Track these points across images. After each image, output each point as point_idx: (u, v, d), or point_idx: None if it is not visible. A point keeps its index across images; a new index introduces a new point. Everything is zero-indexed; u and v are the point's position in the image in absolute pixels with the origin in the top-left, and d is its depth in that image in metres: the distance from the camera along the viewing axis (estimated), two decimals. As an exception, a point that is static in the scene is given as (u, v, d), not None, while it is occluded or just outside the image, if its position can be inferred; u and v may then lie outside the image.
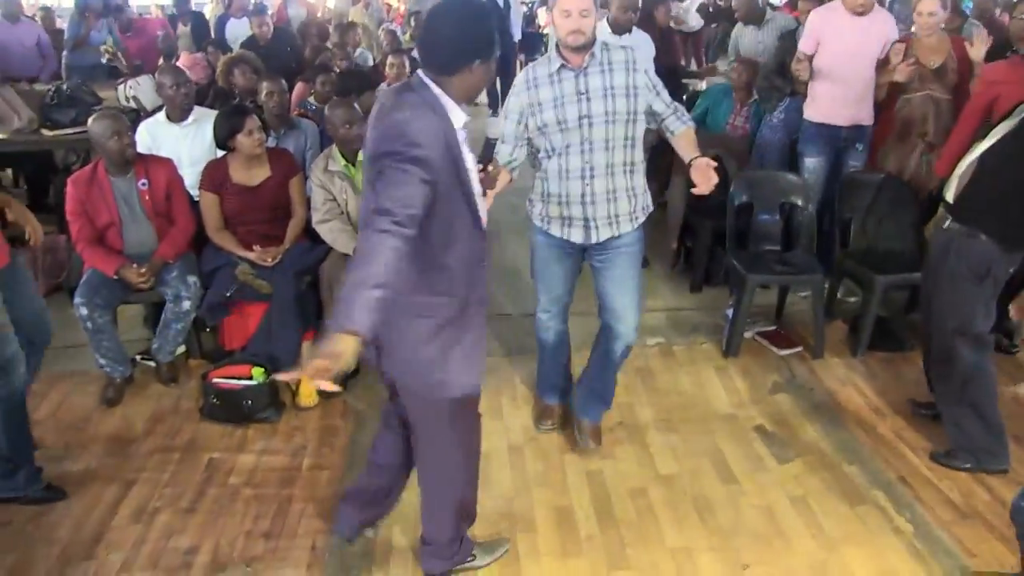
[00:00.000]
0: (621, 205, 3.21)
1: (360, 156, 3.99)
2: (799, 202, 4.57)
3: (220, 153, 4.26)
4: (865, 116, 4.68)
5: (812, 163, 4.74)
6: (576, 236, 3.25)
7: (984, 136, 3.35)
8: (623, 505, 3.24)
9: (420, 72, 2.33)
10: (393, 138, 2.19)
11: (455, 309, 2.41)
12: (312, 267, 4.01)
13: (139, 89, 5.75)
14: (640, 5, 5.06)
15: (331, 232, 3.97)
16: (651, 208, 3.35)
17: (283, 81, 4.70)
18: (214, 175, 4.06)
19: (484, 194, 2.56)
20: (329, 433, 3.72)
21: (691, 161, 3.02)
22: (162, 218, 4.03)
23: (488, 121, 9.22)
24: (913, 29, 4.66)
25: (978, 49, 4.38)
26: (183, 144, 4.53)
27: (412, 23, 7.56)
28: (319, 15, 10.96)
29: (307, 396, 3.87)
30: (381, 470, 2.94)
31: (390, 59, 5.61)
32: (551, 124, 3.12)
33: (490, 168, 2.70)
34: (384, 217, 2.10)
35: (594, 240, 3.25)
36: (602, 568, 2.92)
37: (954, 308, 3.32)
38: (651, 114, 3.19)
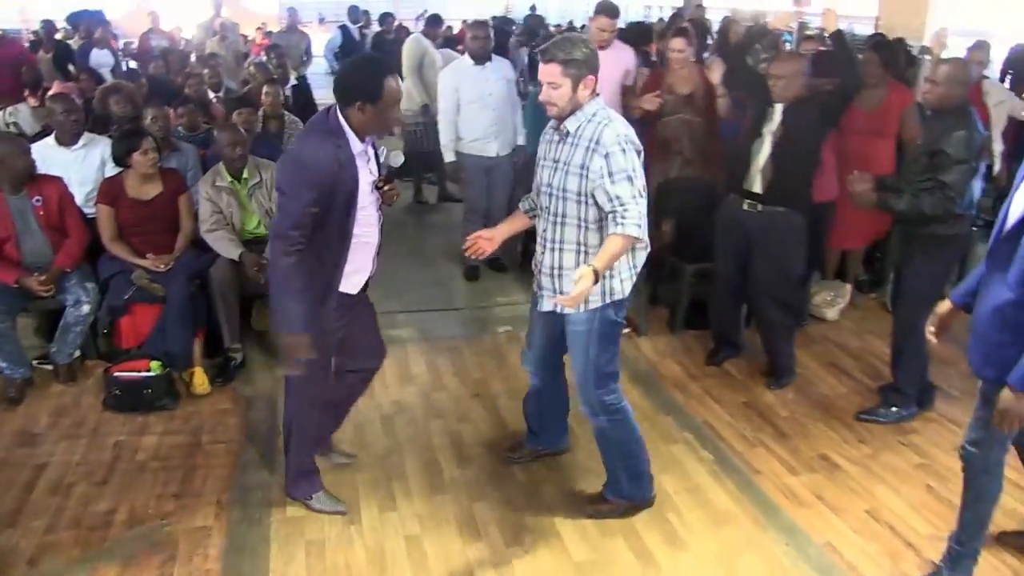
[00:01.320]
0: (565, 283, 3.16)
1: (245, 173, 4.57)
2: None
3: (108, 173, 4.73)
4: None
5: None
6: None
7: (755, 139, 4.28)
8: (480, 454, 3.92)
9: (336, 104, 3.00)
10: (286, 168, 3.02)
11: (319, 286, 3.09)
12: (202, 271, 4.52)
13: (19, 115, 6.06)
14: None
15: (217, 240, 4.51)
16: (617, 295, 3.17)
17: (167, 108, 5.18)
18: (110, 190, 4.52)
19: (381, 206, 3.19)
20: (223, 415, 4.25)
21: (580, 275, 2.83)
22: (56, 231, 4.44)
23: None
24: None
25: (715, 73, 5.26)
26: (72, 166, 4.90)
27: (273, 56, 8.12)
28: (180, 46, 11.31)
29: (201, 384, 4.38)
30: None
31: (266, 88, 6.15)
32: (536, 183, 3.28)
33: (385, 187, 3.18)
34: (281, 242, 2.93)
35: (541, 308, 3.31)
36: (464, 500, 3.58)
37: (779, 275, 4.36)
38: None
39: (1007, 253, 2.64)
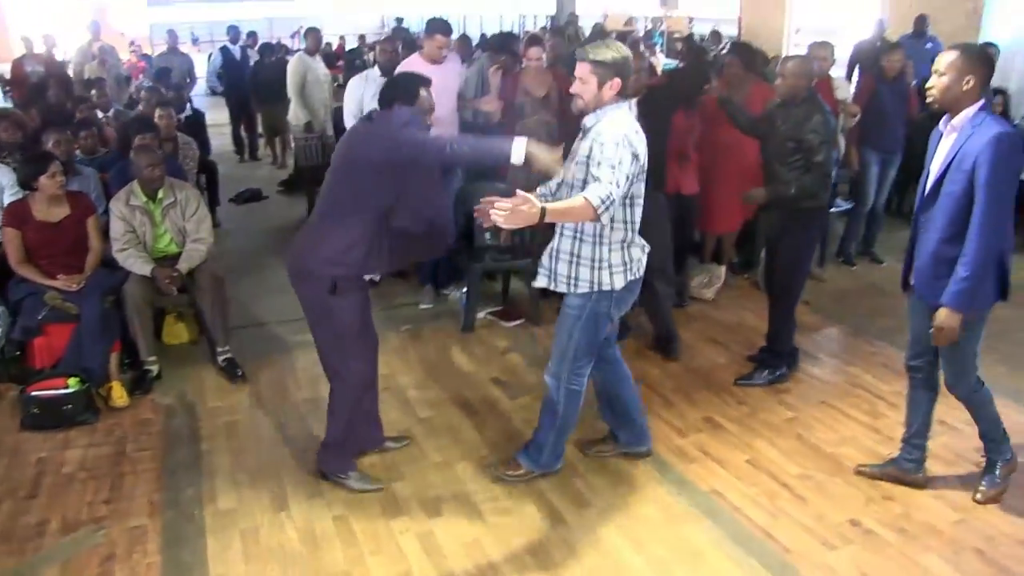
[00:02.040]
0: (560, 266, 3.48)
1: (160, 193, 4.73)
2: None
3: (8, 198, 4.84)
4: None
5: None
6: None
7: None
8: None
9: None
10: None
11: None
12: (115, 288, 4.66)
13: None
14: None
15: (128, 259, 4.67)
16: (606, 286, 3.43)
17: (67, 132, 5.29)
18: (17, 213, 4.62)
19: None
20: (144, 424, 4.41)
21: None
22: (-41, 259, 4.53)
23: None
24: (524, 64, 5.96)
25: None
26: (-31, 194, 4.99)
27: (161, 82, 8.24)
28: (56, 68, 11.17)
29: (119, 398, 4.52)
30: None
31: (158, 112, 6.28)
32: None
33: None
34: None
35: (534, 283, 3.65)
36: (384, 481, 3.87)
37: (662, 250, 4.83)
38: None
39: (931, 208, 3.37)
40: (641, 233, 3.66)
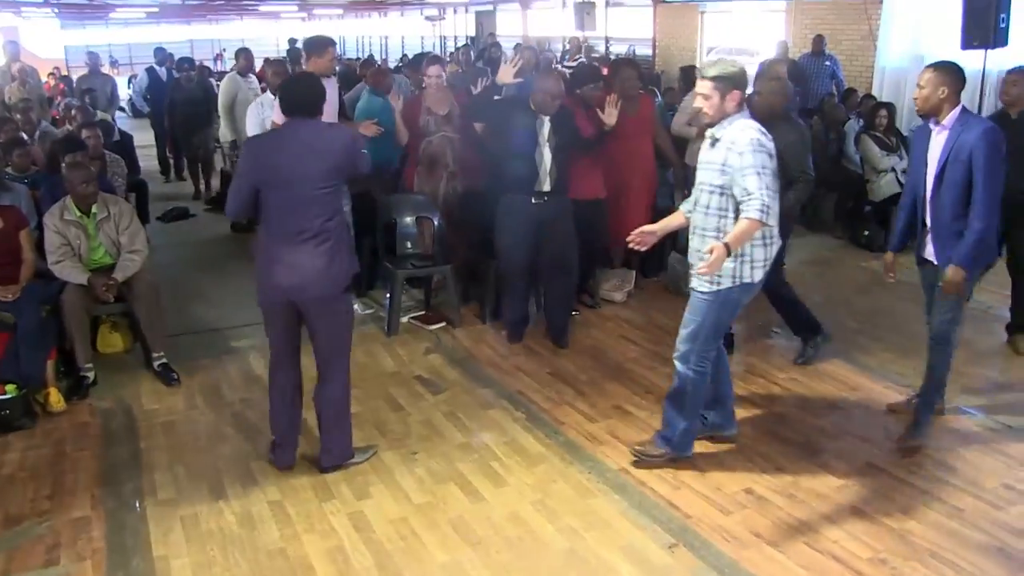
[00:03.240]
0: (696, 265, 3.76)
1: (94, 208, 4.93)
2: (430, 216, 6.06)
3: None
4: None
5: None
6: None
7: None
8: (327, 434, 4.48)
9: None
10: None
11: None
12: (52, 297, 4.84)
13: None
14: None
15: (64, 269, 4.86)
16: (747, 279, 3.79)
17: (-2, 151, 5.45)
18: (-50, 228, 4.78)
19: None
20: (83, 427, 4.59)
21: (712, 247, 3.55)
22: None
23: None
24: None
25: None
26: (-100, 211, 5.10)
27: (87, 99, 8.35)
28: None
29: (57, 403, 4.70)
30: None
31: (85, 132, 6.45)
32: (696, 182, 3.93)
33: None
34: None
35: (691, 286, 3.92)
36: (314, 469, 4.12)
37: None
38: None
39: (938, 195, 4.05)
40: (546, 233, 4.01)
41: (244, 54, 9.07)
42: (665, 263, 6.65)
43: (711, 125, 3.79)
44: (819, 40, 10.95)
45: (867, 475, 4.06)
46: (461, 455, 4.27)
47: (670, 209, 6.65)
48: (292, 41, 18.01)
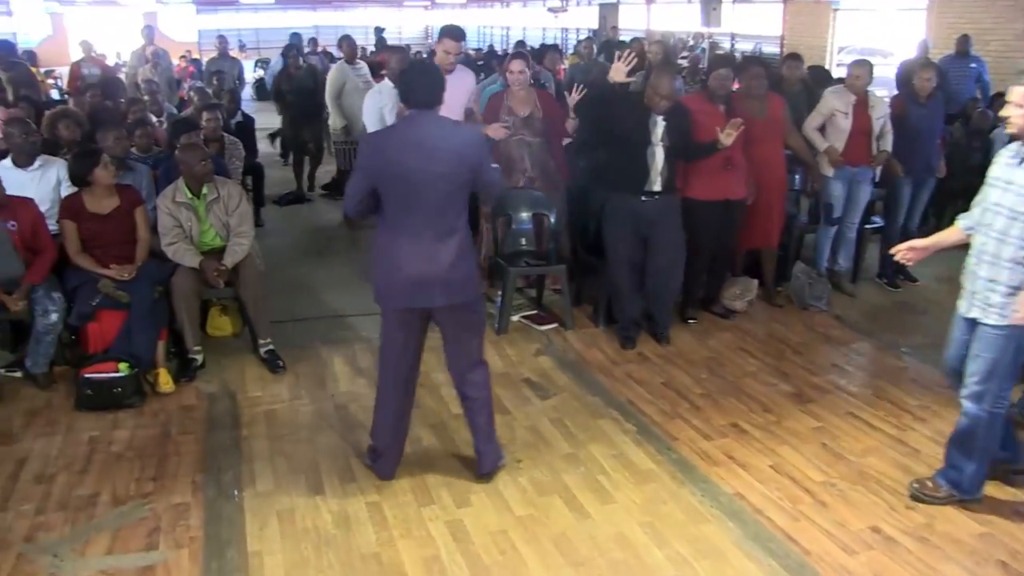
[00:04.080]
0: (995, 296, 3.45)
1: (205, 190, 4.92)
2: (547, 213, 5.87)
3: (64, 192, 5.06)
4: None
5: None
6: None
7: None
8: (427, 434, 4.37)
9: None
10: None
11: None
12: (164, 279, 4.86)
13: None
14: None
15: (177, 252, 4.88)
16: None
17: (123, 129, 5.52)
18: (71, 206, 4.84)
19: None
20: (188, 410, 4.59)
21: None
22: (28, 251, 4.72)
23: None
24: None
25: (574, 98, 5.56)
26: (29, 186, 5.14)
27: (215, 82, 8.49)
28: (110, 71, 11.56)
29: (165, 384, 4.72)
30: None
31: (206, 114, 6.52)
32: (982, 200, 3.62)
33: None
34: None
35: (965, 313, 3.61)
36: (417, 471, 4.01)
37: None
38: None
39: None
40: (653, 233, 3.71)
41: (347, 41, 8.94)
42: (789, 273, 6.29)
43: (1018, 138, 3.38)
44: (964, 40, 10.26)
45: (1015, 523, 3.68)
46: (567, 466, 4.07)
47: (792, 218, 6.35)
48: (379, 30, 17.61)
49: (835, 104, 6.03)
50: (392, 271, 3.57)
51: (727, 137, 5.04)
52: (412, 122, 3.58)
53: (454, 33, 5.43)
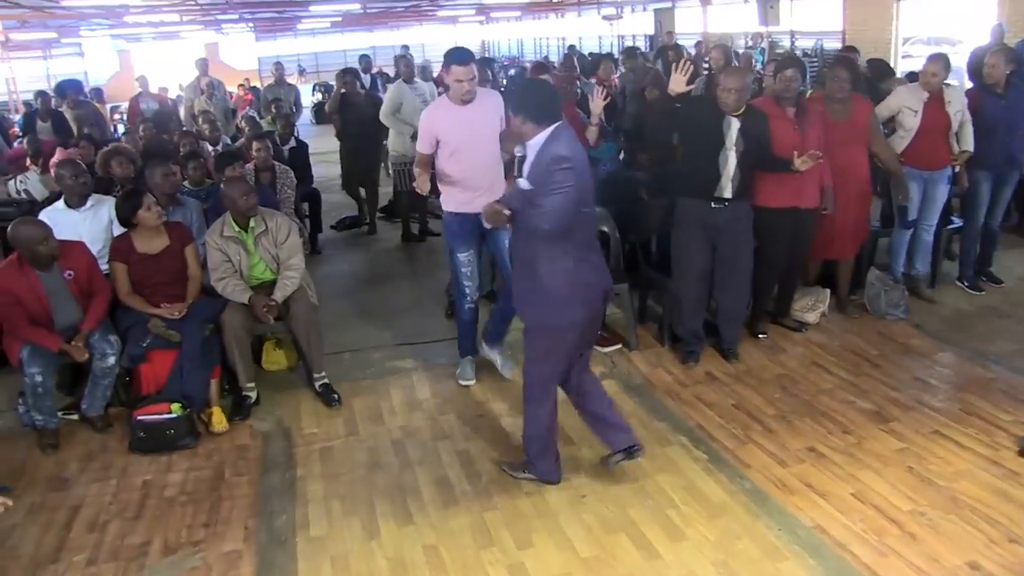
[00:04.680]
0: None
1: (252, 223, 4.84)
2: (606, 230, 5.64)
3: (116, 231, 5.02)
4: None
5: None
6: None
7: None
8: (488, 469, 4.18)
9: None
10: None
11: None
12: (214, 316, 4.78)
13: (28, 183, 6.36)
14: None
15: (227, 288, 4.78)
16: None
17: (172, 165, 5.48)
18: (121, 247, 4.80)
19: None
20: (242, 450, 4.49)
21: None
22: (85, 298, 4.68)
23: None
24: None
25: (597, 104, 5.31)
26: (82, 226, 5.15)
27: (274, 109, 8.50)
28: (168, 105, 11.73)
29: (219, 423, 4.63)
30: None
31: (255, 144, 6.46)
32: None
33: None
34: None
35: None
36: (476, 510, 3.83)
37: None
38: None
39: None
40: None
41: (404, 60, 8.82)
42: (863, 280, 5.96)
43: None
44: (1041, 24, 9.76)
45: None
46: (634, 500, 3.86)
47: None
48: (404, 48, 17.17)
49: (906, 100, 5.69)
50: (573, 287, 3.67)
51: (802, 164, 4.80)
52: (564, 138, 3.61)
53: (459, 58, 4.63)
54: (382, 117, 8.09)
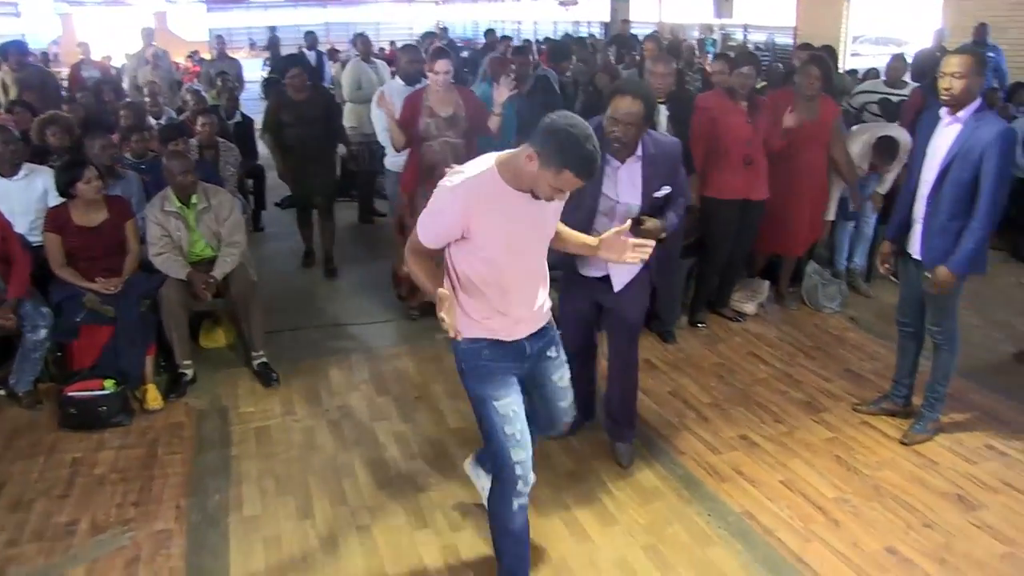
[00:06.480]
0: None
1: (193, 199, 4.76)
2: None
3: (51, 203, 4.90)
4: None
5: None
6: None
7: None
8: (424, 451, 4.19)
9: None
10: None
11: None
12: (151, 292, 4.70)
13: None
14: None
15: (165, 263, 4.71)
16: None
17: (112, 137, 5.36)
18: (56, 218, 4.68)
19: None
20: (177, 428, 4.43)
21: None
22: (2, 262, 4.55)
23: None
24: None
25: (502, 93, 5.19)
26: (15, 196, 4.99)
27: (219, 83, 8.33)
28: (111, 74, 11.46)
29: (154, 400, 4.57)
30: None
31: (200, 119, 6.34)
32: None
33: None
34: None
35: None
36: (410, 492, 3.84)
37: None
38: None
39: (939, 192, 3.85)
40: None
41: (362, 39, 8.69)
42: (801, 274, 6.07)
43: None
44: (981, 29, 10.01)
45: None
46: (568, 484, 3.90)
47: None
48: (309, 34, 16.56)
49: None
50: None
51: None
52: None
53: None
54: (346, 95, 7.95)
